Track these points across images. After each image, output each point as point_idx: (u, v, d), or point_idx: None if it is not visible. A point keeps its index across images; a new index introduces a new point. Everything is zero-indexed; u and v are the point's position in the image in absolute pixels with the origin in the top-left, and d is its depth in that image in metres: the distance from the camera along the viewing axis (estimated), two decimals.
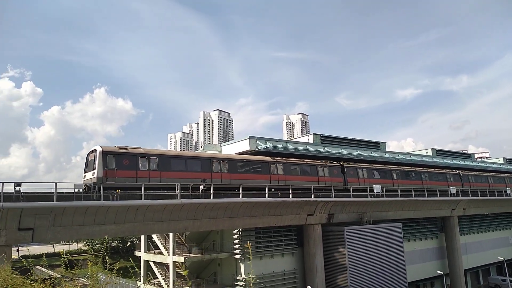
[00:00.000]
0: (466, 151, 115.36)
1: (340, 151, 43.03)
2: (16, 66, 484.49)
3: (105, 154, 26.39)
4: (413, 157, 53.17)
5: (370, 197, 39.94)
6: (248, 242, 33.45)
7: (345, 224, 39.18)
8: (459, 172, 54.54)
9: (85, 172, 27.83)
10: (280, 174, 35.23)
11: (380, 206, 42.82)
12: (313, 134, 45.91)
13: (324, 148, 41.97)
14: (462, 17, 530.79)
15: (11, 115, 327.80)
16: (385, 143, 53.38)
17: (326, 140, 45.99)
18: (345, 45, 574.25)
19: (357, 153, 44.39)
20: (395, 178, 45.49)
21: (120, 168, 26.56)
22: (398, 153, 52.70)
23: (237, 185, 30.96)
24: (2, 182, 21.37)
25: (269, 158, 35.93)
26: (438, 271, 47.92)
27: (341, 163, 40.89)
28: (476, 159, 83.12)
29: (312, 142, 44.27)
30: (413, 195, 44.06)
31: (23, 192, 22.39)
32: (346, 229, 37.89)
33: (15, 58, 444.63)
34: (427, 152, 60.90)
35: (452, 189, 49.41)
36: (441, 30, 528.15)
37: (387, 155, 49.09)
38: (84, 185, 25.92)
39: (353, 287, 36.88)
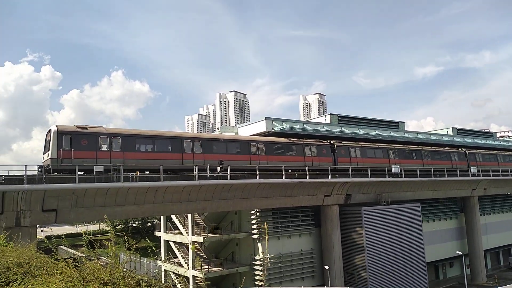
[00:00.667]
0: (488, 130, 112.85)
1: (358, 131, 42.55)
2: (35, 50, 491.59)
3: (61, 134, 24.62)
4: (432, 137, 52.24)
5: (388, 177, 39.60)
6: (266, 223, 33.66)
7: (363, 205, 39.07)
8: (465, 151, 52.09)
9: (43, 153, 26.17)
10: (261, 154, 33.18)
11: (398, 187, 42.47)
12: (331, 114, 45.45)
13: (341, 128, 41.55)
14: None
15: (31, 99, 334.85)
16: (404, 122, 52.57)
17: (343, 120, 45.48)
18: (363, 21, 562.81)
19: (375, 133, 43.83)
20: (392, 157, 42.69)
21: (78, 148, 24.71)
22: (417, 133, 51.87)
23: (211, 166, 29.26)
24: (25, 165, 21.96)
25: (248, 137, 34.67)
26: (457, 252, 47.59)
27: (331, 142, 38.72)
28: (498, 137, 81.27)
29: (329, 122, 43.86)
30: (432, 175, 43.53)
31: (45, 174, 22.95)
32: (364, 209, 37.80)
33: (34, 42, 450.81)
34: (447, 132, 59.72)
35: (473, 169, 48.54)
36: (463, 4, 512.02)
37: (406, 134, 48.33)
38: (41, 167, 24.23)
39: (370, 267, 37.00)
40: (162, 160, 27.57)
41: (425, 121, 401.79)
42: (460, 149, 52.02)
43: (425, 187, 45.04)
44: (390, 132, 45.98)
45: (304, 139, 37.16)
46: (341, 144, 39.20)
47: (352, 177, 36.83)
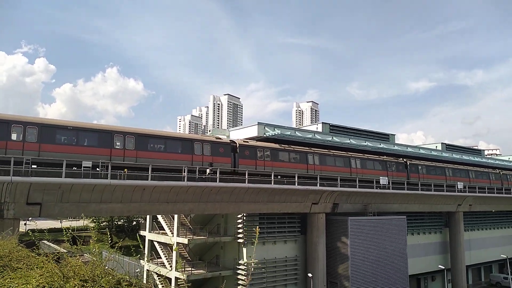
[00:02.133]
0: (476, 147, 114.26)
1: (349, 141, 42.83)
2: (30, 42, 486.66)
3: None
4: (422, 151, 52.78)
5: (376, 188, 39.87)
6: (258, 227, 33.55)
7: (349, 214, 39.23)
8: (406, 161, 47.26)
9: None
10: (128, 149, 26.95)
11: (385, 198, 42.76)
12: (323, 123, 45.74)
13: (332, 138, 41.80)
14: (481, 10, 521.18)
15: (23, 91, 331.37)
16: (394, 135, 53.05)
17: (335, 129, 45.81)
18: (360, 33, 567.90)
19: (365, 144, 44.18)
20: (311, 162, 37.57)
21: None
22: (407, 146, 52.36)
23: (62, 160, 23.39)
24: (12, 157, 21.67)
25: (111, 127, 28.63)
26: (439, 266, 48.00)
27: (233, 140, 33.96)
28: (486, 155, 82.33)
29: (321, 131, 44.13)
30: (419, 189, 43.92)
31: (32, 167, 22.70)
32: (350, 219, 37.97)
33: (30, 33, 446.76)
34: (436, 147, 60.43)
35: (460, 185, 49.07)
36: (459, 22, 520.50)
37: (396, 147, 48.76)
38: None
39: (353, 276, 37.13)
40: None
41: (415, 135, 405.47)
42: (400, 159, 47.58)
43: (411, 200, 45.39)
44: (380, 144, 46.37)
45: (197, 135, 32.60)
46: (246, 143, 33.99)
47: (340, 187, 37.03)
